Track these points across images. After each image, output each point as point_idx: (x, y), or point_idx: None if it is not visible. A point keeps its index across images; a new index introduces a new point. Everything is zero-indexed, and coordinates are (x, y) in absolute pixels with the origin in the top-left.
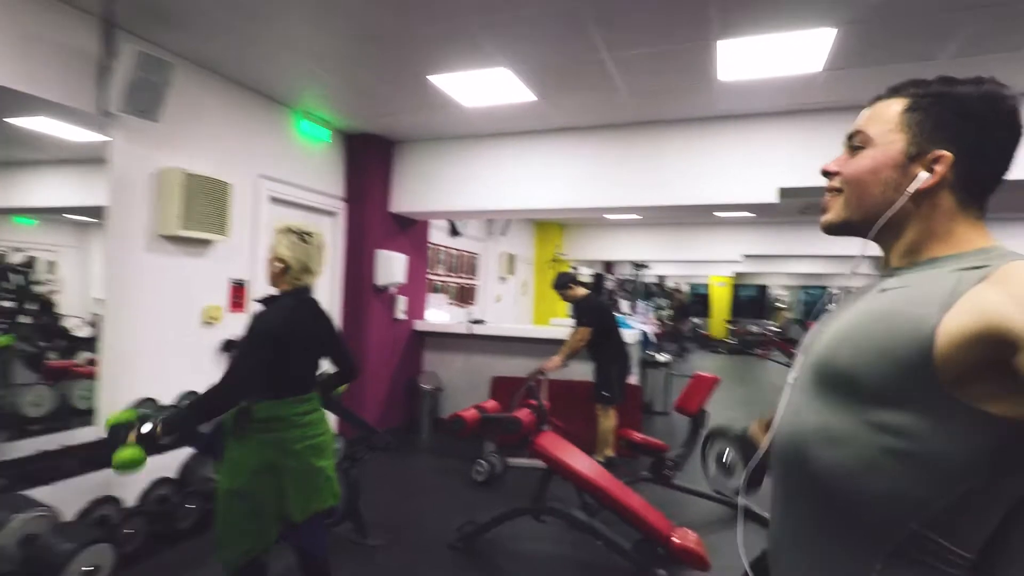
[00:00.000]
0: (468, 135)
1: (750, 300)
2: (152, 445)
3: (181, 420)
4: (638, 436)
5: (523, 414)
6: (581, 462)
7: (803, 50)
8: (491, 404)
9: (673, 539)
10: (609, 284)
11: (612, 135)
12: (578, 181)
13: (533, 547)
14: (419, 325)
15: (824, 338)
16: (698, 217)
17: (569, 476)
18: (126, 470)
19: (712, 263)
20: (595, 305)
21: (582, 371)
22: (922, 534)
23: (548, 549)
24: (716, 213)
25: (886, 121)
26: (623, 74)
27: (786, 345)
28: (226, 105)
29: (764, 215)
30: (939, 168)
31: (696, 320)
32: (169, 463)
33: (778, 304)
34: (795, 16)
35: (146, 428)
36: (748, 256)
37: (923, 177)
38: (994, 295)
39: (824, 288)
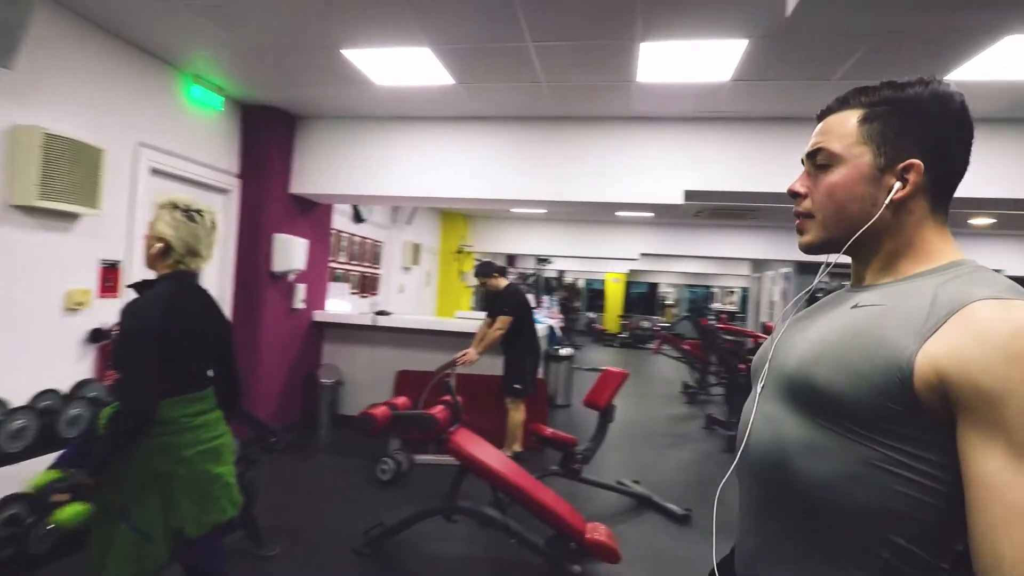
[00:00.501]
0: (379, 116)
1: (641, 297)
2: (87, 493)
3: (105, 459)
4: (548, 430)
5: (437, 411)
6: (497, 460)
7: (716, 59)
8: (401, 400)
9: (586, 534)
10: (511, 277)
11: (528, 128)
12: (490, 172)
13: (445, 548)
14: (319, 315)
15: (796, 350)
16: (601, 215)
17: (485, 474)
18: (74, 525)
19: (611, 260)
20: (517, 295)
21: (489, 364)
22: (908, 548)
23: (460, 549)
24: (618, 212)
25: (845, 135)
26: (545, 66)
27: (676, 340)
28: (102, 59)
29: (662, 215)
30: (912, 177)
31: (591, 315)
32: (19, 476)
33: (666, 301)
34: (716, 24)
35: (73, 479)
36: (644, 254)
37: (897, 187)
38: (956, 349)
39: (707, 287)
